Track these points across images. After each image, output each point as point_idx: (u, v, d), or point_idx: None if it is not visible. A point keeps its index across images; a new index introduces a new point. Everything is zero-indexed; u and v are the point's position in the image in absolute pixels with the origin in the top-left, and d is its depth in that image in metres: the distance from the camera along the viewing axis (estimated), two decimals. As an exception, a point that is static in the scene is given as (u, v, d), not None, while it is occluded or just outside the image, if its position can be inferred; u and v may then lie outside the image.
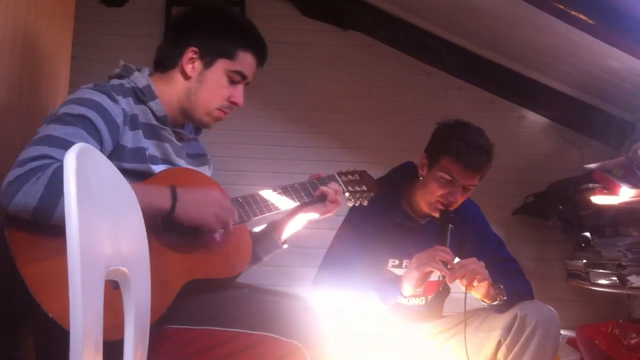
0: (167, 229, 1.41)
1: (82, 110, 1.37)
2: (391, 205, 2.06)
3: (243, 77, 1.58)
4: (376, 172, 1.99)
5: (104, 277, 0.91)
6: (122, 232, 1.04)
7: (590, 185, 2.54)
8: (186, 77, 1.55)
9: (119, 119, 1.43)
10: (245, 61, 1.57)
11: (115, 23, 3.18)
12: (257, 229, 1.73)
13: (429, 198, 1.99)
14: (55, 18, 2.14)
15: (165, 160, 1.52)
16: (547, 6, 2.15)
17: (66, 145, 1.28)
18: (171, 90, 1.56)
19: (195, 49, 1.54)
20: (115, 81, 1.53)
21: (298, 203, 1.66)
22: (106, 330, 0.89)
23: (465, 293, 1.89)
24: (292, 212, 1.69)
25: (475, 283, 1.85)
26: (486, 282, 1.87)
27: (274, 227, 1.71)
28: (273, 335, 1.31)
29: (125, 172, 1.23)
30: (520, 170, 3.18)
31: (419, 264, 1.86)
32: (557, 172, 3.05)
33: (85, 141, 1.32)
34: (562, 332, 2.05)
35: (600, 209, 2.65)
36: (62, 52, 2.25)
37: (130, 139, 1.46)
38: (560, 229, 2.99)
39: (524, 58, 3.03)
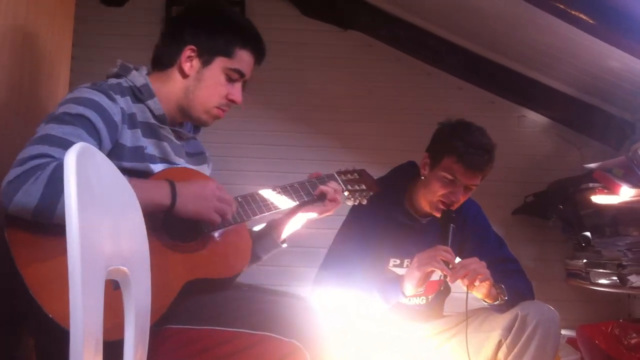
0: (167, 225, 1.41)
1: (81, 109, 1.37)
2: (392, 204, 2.06)
3: (241, 75, 1.58)
4: (376, 172, 1.99)
5: (104, 276, 0.91)
6: (123, 231, 1.04)
7: (591, 184, 2.54)
8: (184, 75, 1.55)
9: (118, 118, 1.43)
10: (243, 59, 1.57)
11: (115, 23, 3.18)
12: (256, 228, 1.73)
13: (430, 197, 1.99)
14: (55, 18, 2.14)
15: (164, 159, 1.52)
16: (547, 6, 2.14)
17: (65, 144, 1.28)
18: (169, 89, 1.56)
19: (193, 47, 1.54)
20: (113, 80, 1.53)
21: (297, 202, 1.66)
22: (106, 330, 0.89)
23: (467, 293, 1.89)
24: (292, 211, 1.69)
25: (476, 283, 1.85)
26: (488, 282, 1.87)
27: (274, 226, 1.71)
28: (273, 335, 1.31)
29: (124, 171, 1.22)
30: (520, 170, 3.18)
31: (421, 264, 1.86)
32: (557, 172, 3.05)
33: (84, 140, 1.32)
34: (563, 331, 2.05)
35: (601, 209, 2.65)
36: (62, 52, 2.25)
37: (129, 137, 1.45)
38: (560, 229, 2.99)
39: (524, 58, 3.03)
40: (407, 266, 2.01)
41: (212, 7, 1.60)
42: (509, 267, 2.07)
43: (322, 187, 1.68)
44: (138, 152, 1.46)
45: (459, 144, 1.93)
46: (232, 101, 1.58)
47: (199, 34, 1.54)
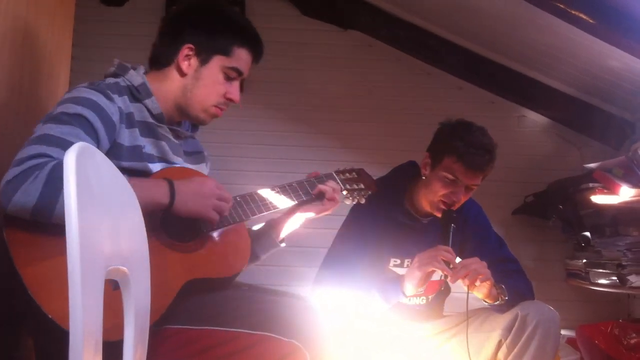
0: (166, 224, 1.41)
1: (79, 109, 1.37)
2: (393, 204, 2.06)
3: (239, 73, 1.58)
4: (376, 172, 1.99)
5: (103, 276, 0.91)
6: (122, 231, 1.03)
7: (590, 184, 2.53)
8: (182, 74, 1.55)
9: (115, 117, 1.43)
10: (241, 57, 1.57)
11: (115, 23, 3.18)
12: (255, 228, 1.73)
13: (431, 197, 1.99)
14: (55, 18, 2.14)
15: (162, 159, 1.52)
16: (547, 6, 2.14)
17: (63, 144, 1.28)
18: (167, 88, 1.56)
19: (191, 45, 1.54)
20: (111, 80, 1.53)
21: (296, 202, 1.66)
22: (106, 330, 0.89)
23: (468, 293, 1.89)
24: (290, 211, 1.69)
25: (477, 283, 1.85)
26: (488, 282, 1.87)
27: (272, 226, 1.71)
28: (273, 335, 1.31)
29: (123, 171, 1.21)
30: (520, 170, 3.18)
31: (422, 264, 1.86)
32: (557, 172, 3.05)
33: (82, 140, 1.32)
34: (562, 331, 2.05)
35: (600, 209, 2.65)
36: (62, 52, 2.25)
37: (127, 137, 1.45)
38: (560, 229, 2.99)
39: (524, 58, 3.02)
40: (408, 266, 2.01)
41: (209, 5, 1.60)
42: (509, 267, 2.07)
43: (321, 187, 1.68)
44: (136, 152, 1.46)
45: (460, 144, 1.93)
46: (230, 100, 1.58)
47: (197, 33, 1.54)
